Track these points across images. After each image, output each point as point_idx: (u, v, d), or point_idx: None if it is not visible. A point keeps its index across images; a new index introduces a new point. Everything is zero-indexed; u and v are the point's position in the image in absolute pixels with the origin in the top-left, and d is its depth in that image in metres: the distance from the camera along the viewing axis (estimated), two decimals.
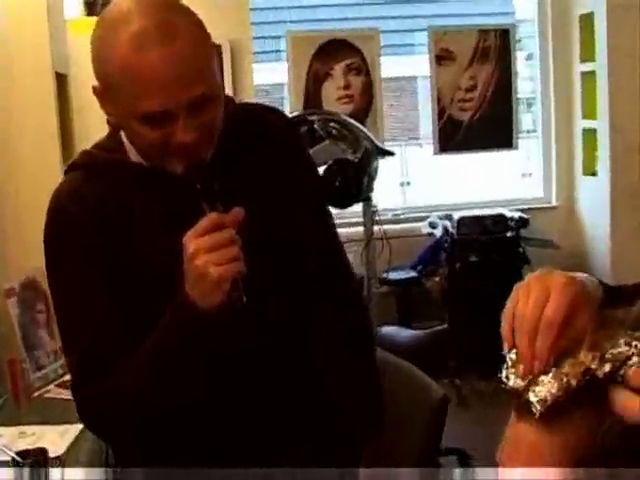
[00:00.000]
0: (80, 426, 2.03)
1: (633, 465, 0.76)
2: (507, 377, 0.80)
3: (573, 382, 0.76)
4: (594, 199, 5.51)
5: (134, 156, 1.44)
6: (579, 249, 5.61)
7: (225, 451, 1.46)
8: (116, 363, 1.37)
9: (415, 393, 2.50)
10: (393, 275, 4.95)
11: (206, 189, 1.34)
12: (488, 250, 4.85)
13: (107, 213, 1.41)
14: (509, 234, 4.96)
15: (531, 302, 0.81)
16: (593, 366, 0.75)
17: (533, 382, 0.78)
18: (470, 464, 3.46)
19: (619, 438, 0.76)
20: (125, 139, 1.44)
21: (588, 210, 5.63)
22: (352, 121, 4.40)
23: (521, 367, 0.79)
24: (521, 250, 4.86)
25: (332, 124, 4.19)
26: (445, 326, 4.51)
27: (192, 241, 1.28)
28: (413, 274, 5.10)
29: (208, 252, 1.26)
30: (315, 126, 4.10)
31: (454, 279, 4.83)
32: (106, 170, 1.46)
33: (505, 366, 0.81)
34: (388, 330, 4.44)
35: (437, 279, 4.93)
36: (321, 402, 1.57)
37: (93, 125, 2.97)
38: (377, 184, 4.37)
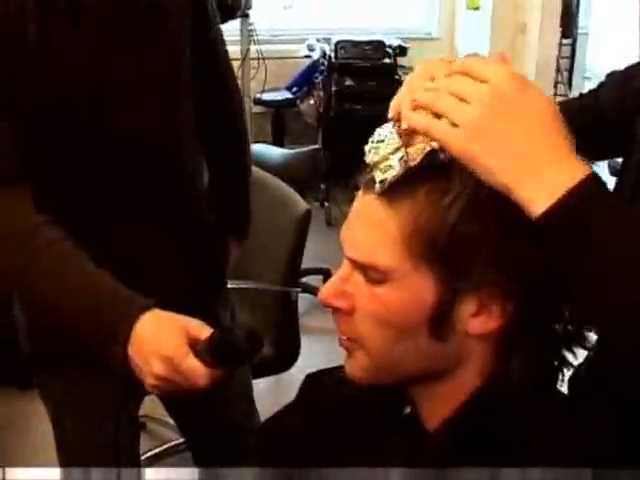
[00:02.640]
0: None
1: None
2: (369, 151, 0.83)
3: (413, 163, 0.80)
4: (475, 32, 5.50)
5: None
6: None
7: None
8: None
9: (280, 206, 2.51)
10: (268, 96, 4.85)
11: None
12: (364, 75, 4.80)
13: None
14: (387, 61, 4.91)
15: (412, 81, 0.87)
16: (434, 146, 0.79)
17: (385, 159, 0.81)
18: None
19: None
20: None
21: (468, 43, 5.61)
22: None
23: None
24: (397, 77, 4.82)
25: None
26: (317, 146, 4.49)
27: (160, 365, 1.13)
28: (288, 96, 5.03)
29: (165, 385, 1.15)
30: None
31: (329, 103, 4.78)
32: None
33: (370, 140, 0.83)
34: (258, 148, 4.38)
35: (312, 102, 4.87)
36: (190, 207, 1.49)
37: None
38: (259, 5, 4.23)
